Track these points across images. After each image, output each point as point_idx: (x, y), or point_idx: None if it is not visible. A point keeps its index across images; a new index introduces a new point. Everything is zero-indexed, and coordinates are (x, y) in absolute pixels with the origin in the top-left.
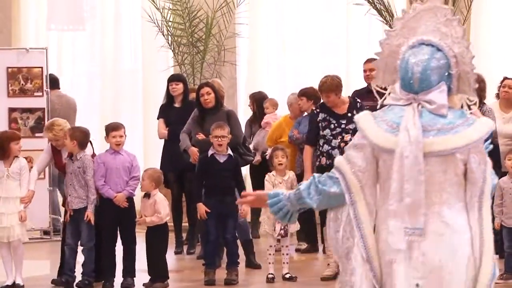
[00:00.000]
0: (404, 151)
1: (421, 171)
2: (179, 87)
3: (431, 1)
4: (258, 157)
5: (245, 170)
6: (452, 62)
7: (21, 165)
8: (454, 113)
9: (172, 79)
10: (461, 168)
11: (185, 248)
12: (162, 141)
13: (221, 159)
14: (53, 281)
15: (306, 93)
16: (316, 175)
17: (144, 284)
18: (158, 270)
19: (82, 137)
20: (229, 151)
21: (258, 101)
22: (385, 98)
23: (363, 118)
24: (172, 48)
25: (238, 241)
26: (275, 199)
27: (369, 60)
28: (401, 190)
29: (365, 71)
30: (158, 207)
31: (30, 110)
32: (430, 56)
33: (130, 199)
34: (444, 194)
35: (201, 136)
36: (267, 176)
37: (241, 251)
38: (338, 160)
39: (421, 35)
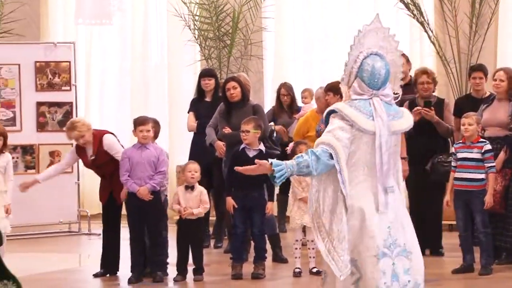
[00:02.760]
0: (381, 132)
1: (391, 146)
2: (212, 82)
3: (374, 23)
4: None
5: None
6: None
7: (7, 159)
8: (394, 104)
9: (205, 74)
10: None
11: (212, 242)
12: (188, 134)
13: (251, 154)
14: (95, 275)
15: (332, 88)
16: (311, 150)
17: (174, 279)
18: (198, 262)
19: (157, 128)
20: (261, 146)
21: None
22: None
23: (345, 108)
24: (198, 42)
25: (265, 235)
26: (280, 166)
27: None
28: (381, 161)
29: None
30: (204, 198)
31: (58, 104)
32: (385, 63)
33: (155, 193)
34: (397, 162)
35: (227, 130)
36: None
37: (268, 245)
38: (328, 138)
39: (367, 48)
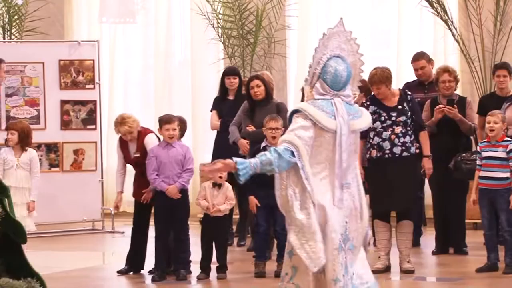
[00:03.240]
0: (342, 130)
1: (350, 144)
2: (236, 81)
3: (337, 27)
4: None
5: None
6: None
7: (31, 156)
8: (353, 104)
9: (229, 73)
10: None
11: (235, 240)
12: (211, 133)
13: None
14: (119, 272)
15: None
16: (274, 148)
17: (197, 277)
18: (221, 260)
19: (182, 126)
20: None
21: None
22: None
23: (309, 108)
24: (222, 41)
25: None
26: (244, 165)
27: (416, 58)
28: (341, 159)
29: (416, 70)
30: (230, 194)
31: (82, 103)
32: (347, 65)
33: (183, 191)
34: (355, 159)
35: (251, 128)
36: None
37: None
38: (290, 136)
39: (330, 51)
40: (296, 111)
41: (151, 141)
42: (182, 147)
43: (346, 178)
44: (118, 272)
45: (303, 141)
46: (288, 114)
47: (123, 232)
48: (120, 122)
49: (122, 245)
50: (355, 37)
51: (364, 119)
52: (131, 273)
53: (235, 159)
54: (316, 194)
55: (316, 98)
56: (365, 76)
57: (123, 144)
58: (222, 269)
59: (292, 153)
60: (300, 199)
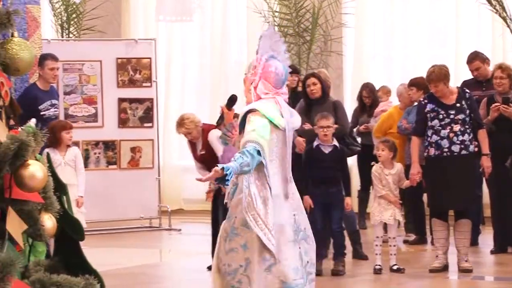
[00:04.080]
0: (288, 127)
1: (291, 140)
2: (297, 79)
3: (269, 29)
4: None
5: (351, 161)
6: None
7: (75, 153)
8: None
9: (293, 71)
10: None
11: None
12: None
13: (326, 150)
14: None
15: (416, 83)
16: (247, 150)
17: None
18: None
19: None
20: (335, 142)
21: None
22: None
23: (262, 107)
24: None
25: (345, 232)
26: (229, 170)
27: (469, 60)
28: (288, 153)
29: (471, 71)
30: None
31: (139, 101)
32: (282, 64)
33: None
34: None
35: (308, 126)
36: (374, 167)
37: (348, 241)
38: (254, 136)
39: (266, 52)
40: (251, 111)
41: (211, 137)
42: None
43: (290, 172)
44: (208, 268)
45: (264, 140)
46: (241, 114)
47: (180, 230)
48: (179, 123)
49: (179, 242)
50: (282, 38)
51: (297, 117)
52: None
53: (220, 165)
54: (271, 189)
55: (262, 97)
56: (423, 74)
57: (191, 143)
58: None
59: (258, 152)
60: (262, 196)
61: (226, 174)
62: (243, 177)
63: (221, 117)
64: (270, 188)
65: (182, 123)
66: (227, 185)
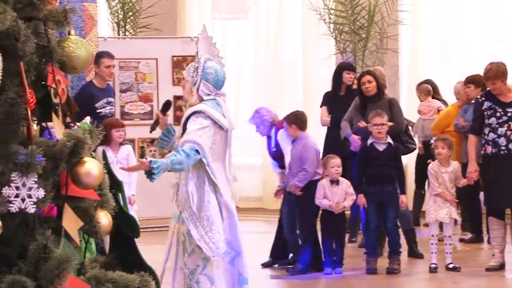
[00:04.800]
0: (230, 128)
1: (231, 140)
2: (354, 76)
3: (203, 33)
4: (419, 145)
5: (406, 159)
6: None
7: (128, 151)
8: None
9: (350, 68)
10: None
11: (346, 236)
12: (323, 128)
13: (380, 148)
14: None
15: (473, 81)
16: (182, 149)
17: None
18: (339, 255)
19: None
20: (389, 139)
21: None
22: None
23: (207, 108)
24: (333, 36)
25: (400, 230)
26: (157, 164)
27: None
28: (230, 154)
29: None
30: (351, 190)
31: None
32: (220, 66)
33: (307, 187)
34: None
35: (363, 124)
36: (430, 165)
37: (403, 240)
38: (193, 136)
39: (203, 55)
40: (195, 112)
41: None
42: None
43: (230, 173)
44: (262, 265)
45: (203, 140)
46: (185, 116)
47: None
48: None
49: None
50: (215, 42)
51: (230, 119)
52: (276, 265)
53: (149, 158)
54: (220, 188)
55: (205, 99)
56: (480, 71)
57: None
58: (338, 264)
59: (197, 151)
60: (199, 194)
61: (153, 168)
62: (181, 175)
63: (156, 122)
64: (215, 185)
65: None
66: (154, 178)
